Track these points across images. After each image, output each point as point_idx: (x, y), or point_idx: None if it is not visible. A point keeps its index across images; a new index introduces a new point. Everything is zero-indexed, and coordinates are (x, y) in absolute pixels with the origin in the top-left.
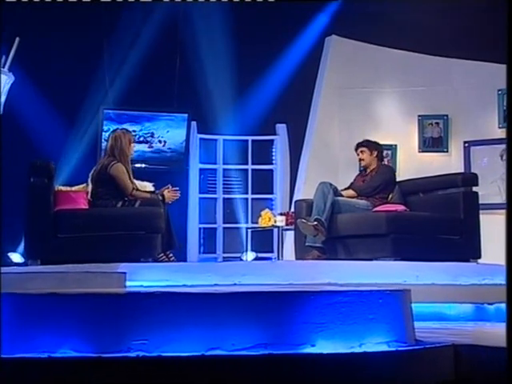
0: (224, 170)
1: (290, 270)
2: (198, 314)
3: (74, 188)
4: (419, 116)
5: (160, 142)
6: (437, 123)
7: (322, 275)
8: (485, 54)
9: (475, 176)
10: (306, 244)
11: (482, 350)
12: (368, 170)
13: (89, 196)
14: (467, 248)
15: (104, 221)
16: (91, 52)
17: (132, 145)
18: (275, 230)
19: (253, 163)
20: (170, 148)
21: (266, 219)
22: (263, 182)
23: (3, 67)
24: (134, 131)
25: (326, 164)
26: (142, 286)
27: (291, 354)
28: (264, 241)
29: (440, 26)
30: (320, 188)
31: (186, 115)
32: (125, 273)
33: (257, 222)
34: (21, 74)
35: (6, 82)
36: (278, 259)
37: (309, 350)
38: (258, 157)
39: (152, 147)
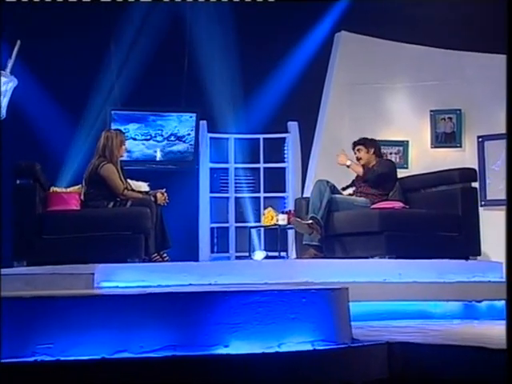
0: (236, 168)
1: (267, 270)
2: (106, 317)
3: (69, 189)
4: (431, 111)
5: (169, 141)
6: (449, 118)
7: (301, 274)
8: (499, 47)
9: (473, 171)
10: (304, 242)
11: (415, 348)
12: (369, 166)
13: (82, 197)
14: (466, 245)
15: (90, 222)
16: (98, 52)
17: (124, 146)
18: (280, 228)
19: (265, 161)
20: (178, 148)
21: (269, 218)
22: (276, 181)
23: (5, 70)
24: (144, 132)
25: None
26: (117, 286)
27: (198, 355)
28: (277, 239)
29: (452, 18)
30: (317, 186)
31: (194, 115)
32: (93, 274)
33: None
34: (26, 76)
35: (9, 85)
36: (279, 257)
37: (221, 350)
38: (270, 155)
39: (161, 147)
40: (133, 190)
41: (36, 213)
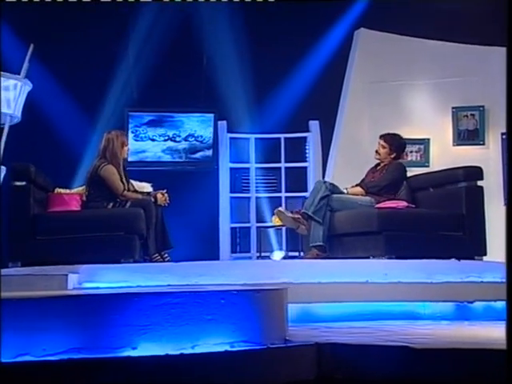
0: (257, 168)
1: (248, 270)
2: (7, 320)
3: (73, 190)
4: (453, 108)
5: (187, 142)
6: (472, 115)
7: (282, 275)
8: None
9: (479, 170)
10: (310, 245)
11: (343, 349)
12: (379, 166)
13: (84, 198)
14: (471, 245)
15: (83, 223)
16: (115, 53)
17: (125, 147)
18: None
19: (286, 161)
20: (197, 148)
21: (278, 218)
22: (297, 180)
23: (19, 74)
24: (162, 132)
25: (355, 161)
26: (98, 287)
27: (102, 358)
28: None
29: (474, 12)
30: (314, 186)
31: (212, 115)
32: (66, 275)
33: None
34: (43, 78)
35: (22, 89)
36: (287, 257)
37: (128, 353)
38: (291, 155)
39: (179, 148)
40: (135, 191)
41: (30, 214)
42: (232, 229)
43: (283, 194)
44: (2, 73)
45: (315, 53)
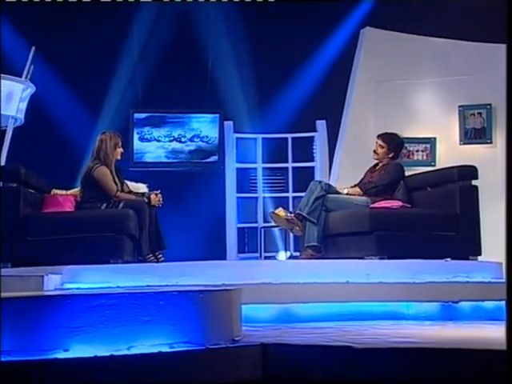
0: (264, 168)
1: (229, 270)
2: None
3: (69, 192)
4: (460, 107)
5: (193, 142)
6: (479, 113)
7: (262, 275)
8: None
9: (473, 169)
10: (305, 245)
11: (288, 349)
12: (378, 166)
13: (78, 199)
14: (465, 245)
15: (73, 224)
16: (120, 54)
17: (119, 149)
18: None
19: (293, 161)
20: (203, 148)
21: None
22: (304, 180)
23: (21, 75)
24: (168, 133)
25: (360, 160)
26: (79, 288)
27: (30, 360)
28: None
29: (480, 9)
30: (309, 186)
31: (217, 115)
32: (42, 276)
33: None
34: (47, 79)
35: (25, 91)
36: (292, 258)
37: (60, 355)
38: (299, 154)
39: (185, 148)
40: (130, 192)
41: (20, 215)
42: (240, 229)
43: (290, 194)
44: (4, 75)
45: (321, 52)
